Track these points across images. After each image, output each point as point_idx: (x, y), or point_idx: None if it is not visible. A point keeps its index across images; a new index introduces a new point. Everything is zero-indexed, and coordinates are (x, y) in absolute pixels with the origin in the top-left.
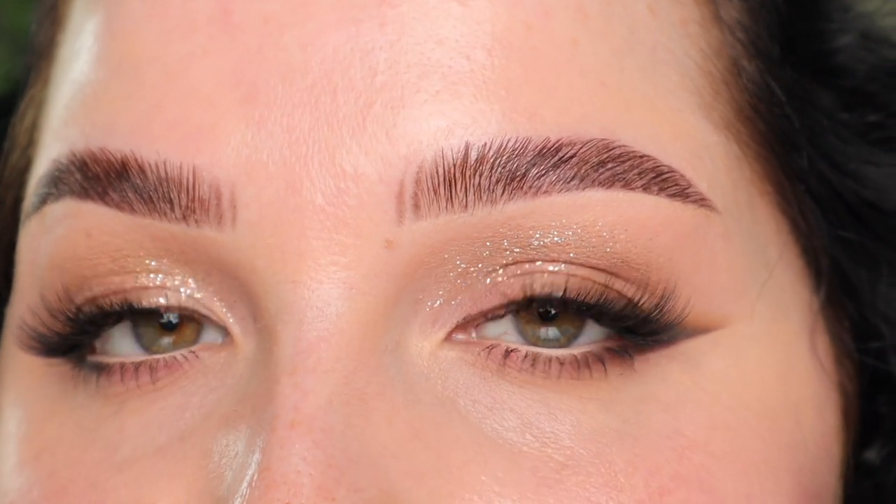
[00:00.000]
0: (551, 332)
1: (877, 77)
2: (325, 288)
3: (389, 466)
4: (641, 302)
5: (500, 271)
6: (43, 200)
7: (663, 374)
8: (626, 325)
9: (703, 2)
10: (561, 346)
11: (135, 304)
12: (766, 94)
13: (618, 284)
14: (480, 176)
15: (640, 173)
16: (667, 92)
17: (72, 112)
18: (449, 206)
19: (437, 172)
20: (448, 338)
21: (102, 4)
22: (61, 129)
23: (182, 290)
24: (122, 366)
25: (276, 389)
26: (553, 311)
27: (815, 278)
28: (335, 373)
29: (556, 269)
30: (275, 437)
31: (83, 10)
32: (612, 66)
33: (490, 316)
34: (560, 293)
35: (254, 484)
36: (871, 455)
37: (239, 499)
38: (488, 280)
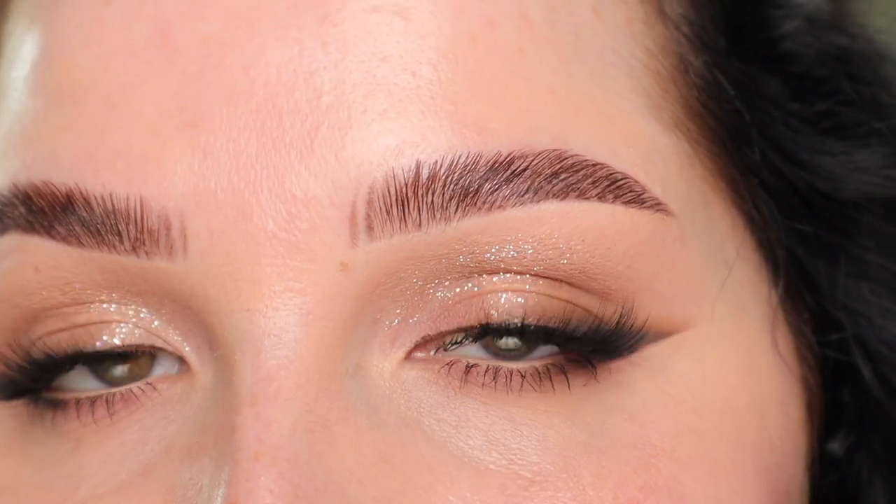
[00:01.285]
0: (511, 341)
1: (824, 62)
2: (282, 315)
3: (357, 493)
4: (604, 317)
5: (458, 290)
6: None
7: (628, 381)
8: (590, 348)
9: None
10: (521, 356)
11: (87, 350)
12: (714, 89)
13: (581, 299)
14: (433, 194)
15: (594, 182)
16: (616, 95)
17: (11, 143)
18: (402, 225)
19: (389, 192)
20: (408, 356)
21: (38, 30)
22: (1, 160)
23: (134, 320)
24: (78, 401)
25: (237, 420)
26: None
27: (772, 272)
28: (297, 400)
29: (515, 286)
30: (239, 470)
31: (18, 37)
32: (559, 73)
33: (449, 342)
34: (518, 320)
35: None
36: (835, 446)
37: None
38: (447, 297)
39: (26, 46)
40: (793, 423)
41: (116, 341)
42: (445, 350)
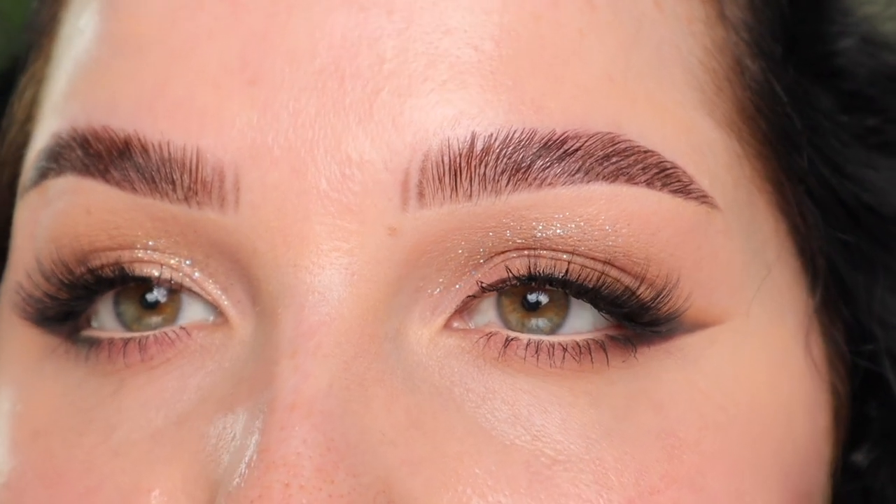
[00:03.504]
0: (541, 322)
1: (877, 81)
2: (328, 273)
3: (387, 453)
4: (640, 290)
5: (501, 257)
6: (43, 174)
7: (659, 369)
8: (624, 310)
9: (709, 0)
10: (545, 335)
11: (128, 272)
12: (768, 94)
13: (615, 273)
14: (486, 166)
15: (643, 168)
16: (671, 87)
17: (74, 88)
18: (453, 195)
19: (443, 161)
20: (447, 325)
21: None
22: (62, 104)
23: (176, 267)
24: (111, 341)
25: (275, 371)
26: (543, 302)
27: (811, 279)
28: (336, 357)
29: (558, 256)
30: (274, 419)
31: None
32: (618, 59)
33: (487, 289)
34: (561, 274)
35: (252, 464)
36: (859, 458)
37: (238, 479)
38: (490, 265)
39: None
40: (819, 429)
41: (155, 272)
42: (484, 291)
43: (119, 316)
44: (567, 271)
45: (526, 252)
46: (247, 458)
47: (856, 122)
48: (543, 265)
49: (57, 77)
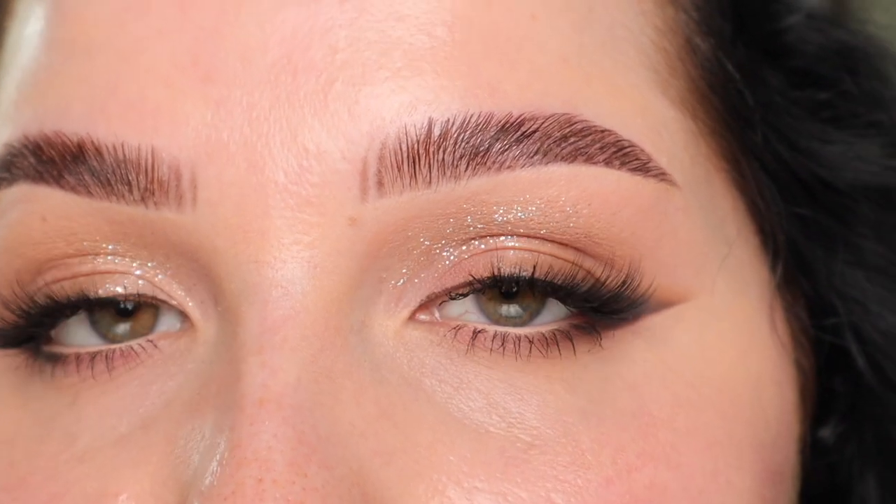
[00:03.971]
0: (513, 309)
1: (825, 57)
2: (290, 267)
3: (359, 445)
4: (608, 280)
5: (464, 248)
6: None
7: (629, 350)
8: (592, 305)
9: None
10: (523, 323)
11: (90, 295)
12: (719, 72)
13: (587, 263)
14: (444, 152)
15: (601, 147)
16: (625, 68)
17: (24, 95)
18: (413, 182)
19: (401, 149)
20: (412, 317)
21: None
22: (13, 112)
23: (139, 273)
24: (78, 356)
25: (242, 369)
26: (515, 289)
27: (771, 255)
28: (302, 351)
29: (522, 245)
30: (244, 415)
31: None
32: (571, 41)
33: (454, 294)
34: (527, 274)
35: (224, 462)
36: (826, 433)
37: (209, 477)
38: (453, 257)
39: (40, 3)
40: (788, 404)
41: (119, 289)
42: (451, 299)
43: (94, 325)
44: (534, 269)
45: (487, 245)
46: (218, 456)
47: (807, 97)
48: (509, 262)
49: (6, 86)
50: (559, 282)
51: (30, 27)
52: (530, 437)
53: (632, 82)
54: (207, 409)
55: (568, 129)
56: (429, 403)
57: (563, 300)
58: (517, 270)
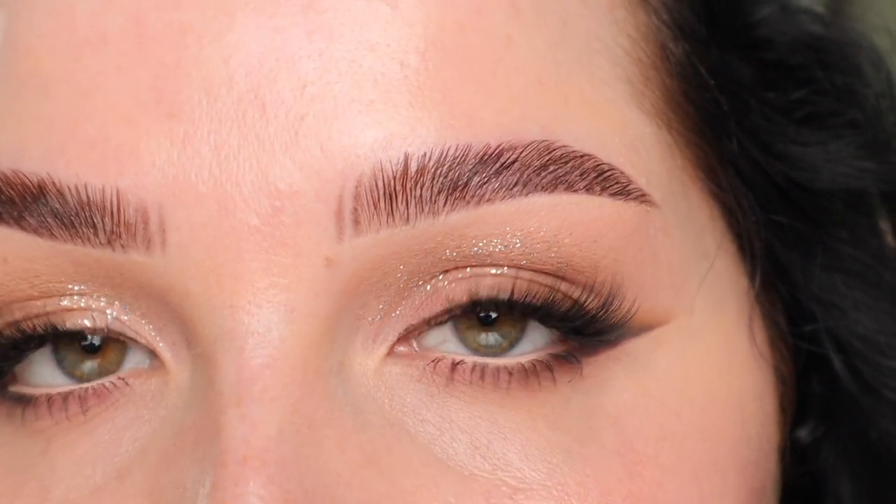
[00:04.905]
0: (492, 337)
1: (798, 49)
2: (265, 312)
3: (345, 496)
4: (587, 303)
5: (441, 277)
6: None
7: (610, 378)
8: (572, 325)
9: None
10: (503, 352)
11: (59, 327)
12: (693, 77)
13: (563, 287)
14: (422, 187)
15: (581, 174)
16: (601, 83)
17: None
18: (390, 219)
19: (377, 186)
20: (390, 352)
21: (4, 16)
22: None
23: (108, 311)
24: (49, 398)
25: (222, 421)
26: (494, 316)
27: (749, 264)
28: (283, 400)
29: (500, 272)
30: (226, 474)
31: None
32: (547, 61)
33: (433, 323)
34: (506, 296)
35: None
36: (803, 433)
37: None
38: (429, 287)
39: None
40: (768, 417)
41: (87, 322)
42: (430, 327)
43: (59, 363)
44: (512, 291)
45: (468, 271)
46: None
47: (781, 97)
48: (486, 286)
49: None
50: (538, 302)
51: None
52: (515, 480)
53: (608, 97)
54: (185, 460)
55: (547, 157)
56: (412, 445)
57: (542, 321)
58: (495, 293)
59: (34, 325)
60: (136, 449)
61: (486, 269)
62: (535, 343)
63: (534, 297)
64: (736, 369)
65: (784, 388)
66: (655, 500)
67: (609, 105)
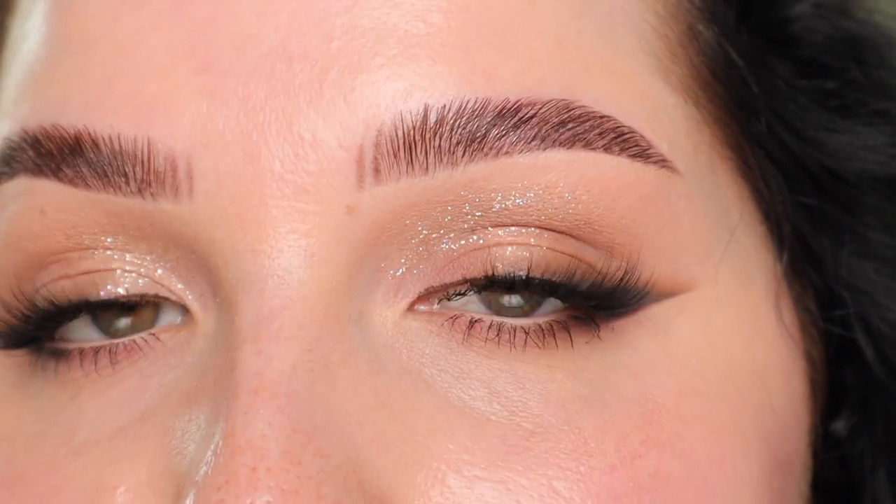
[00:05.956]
0: (514, 299)
1: (832, 47)
2: (286, 256)
3: (355, 434)
4: (608, 273)
5: (462, 243)
6: None
7: (631, 340)
8: (592, 303)
9: None
10: (524, 314)
11: (91, 299)
12: (722, 59)
13: (586, 254)
14: (440, 138)
15: (600, 133)
16: (624, 54)
17: (22, 91)
18: (409, 169)
19: (397, 136)
20: (411, 308)
21: None
22: (12, 107)
23: (138, 268)
24: (81, 351)
25: (237, 357)
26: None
27: (777, 245)
28: (298, 339)
29: (519, 239)
30: (238, 404)
31: None
32: (569, 27)
33: (451, 292)
34: (522, 273)
35: (218, 451)
36: (838, 426)
37: (204, 467)
38: (450, 249)
39: (40, 2)
40: (796, 395)
41: (120, 290)
42: (449, 300)
43: (96, 320)
44: (529, 266)
45: (484, 241)
46: (213, 446)
47: (813, 86)
48: (502, 261)
49: (6, 84)
50: (557, 279)
51: (29, 23)
52: (532, 424)
53: (631, 68)
54: (204, 399)
55: (566, 115)
56: (428, 392)
57: (562, 299)
58: (512, 270)
59: (68, 297)
60: (160, 394)
61: (505, 237)
62: (556, 305)
63: (553, 272)
64: (760, 342)
65: (814, 372)
66: (673, 449)
67: (632, 75)
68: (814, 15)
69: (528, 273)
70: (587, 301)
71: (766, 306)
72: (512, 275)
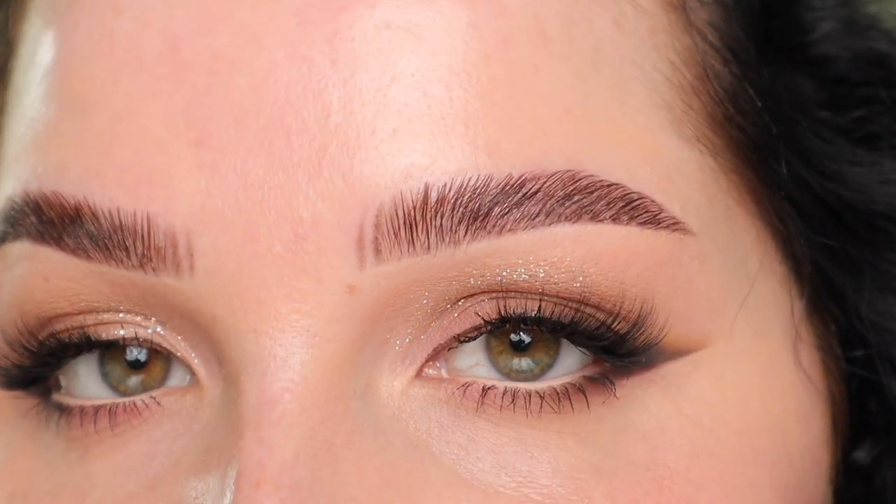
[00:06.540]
0: (525, 362)
1: (860, 67)
2: (287, 337)
3: None
4: (615, 326)
5: (470, 298)
6: (3, 238)
7: (644, 398)
8: (602, 343)
9: (672, 7)
10: (535, 377)
11: (92, 337)
12: (741, 101)
13: (590, 310)
14: (442, 217)
15: (608, 203)
16: (635, 111)
17: (24, 148)
18: (411, 248)
19: (397, 215)
20: (419, 374)
21: (52, 34)
22: (14, 165)
23: (147, 327)
24: (82, 409)
25: (240, 444)
26: (526, 341)
27: (797, 286)
28: (301, 425)
29: (526, 297)
30: (241, 497)
31: (34, 37)
32: (576, 91)
33: (462, 339)
34: (534, 313)
35: None
36: (861, 455)
37: None
38: (458, 305)
39: (41, 51)
40: (815, 439)
41: (122, 332)
42: (460, 342)
43: (105, 377)
44: (539, 309)
45: (494, 294)
46: None
47: (838, 116)
48: (514, 306)
49: (12, 133)
50: (566, 320)
51: (31, 74)
52: (541, 496)
53: (642, 126)
54: (210, 477)
55: (572, 187)
56: (435, 466)
57: (572, 339)
58: (524, 310)
59: (70, 335)
60: (170, 462)
61: (511, 298)
62: (567, 367)
63: (561, 314)
64: (778, 392)
65: (836, 411)
66: None
67: (643, 133)
68: (841, 34)
69: (539, 312)
70: (596, 341)
71: (784, 353)
72: (524, 313)
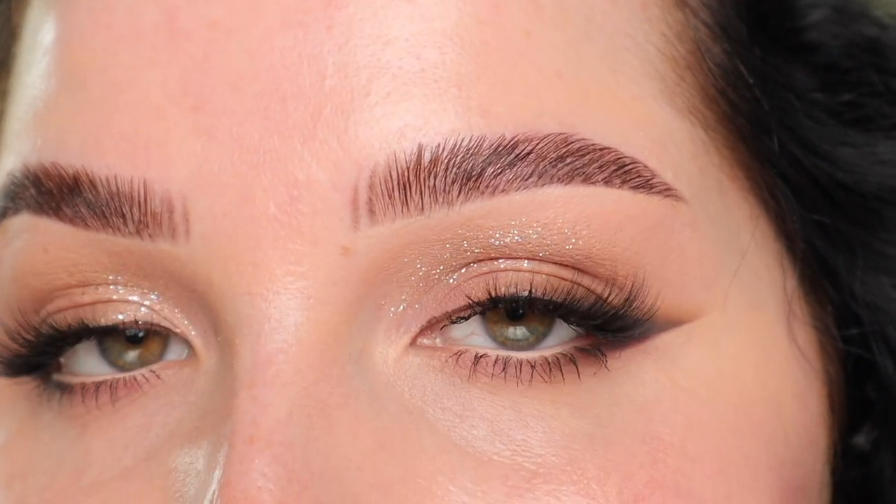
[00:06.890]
0: (520, 331)
1: (852, 53)
2: (282, 299)
3: (354, 479)
4: (609, 298)
5: (463, 271)
6: (3, 214)
7: (638, 371)
8: (595, 322)
9: None
10: (530, 346)
11: (90, 324)
12: (732, 77)
13: (585, 281)
14: (435, 177)
15: (600, 166)
16: (627, 79)
17: (24, 125)
18: (405, 209)
19: (391, 176)
20: (413, 342)
21: (53, 16)
22: (15, 142)
23: (143, 302)
24: (83, 386)
25: (234, 404)
26: (521, 311)
27: (790, 263)
28: (295, 385)
29: (519, 265)
30: (234, 453)
31: (36, 22)
32: (568, 56)
33: (455, 318)
34: (525, 293)
35: (214, 501)
36: (860, 440)
37: None
38: (451, 280)
39: (43, 32)
40: (811, 418)
41: (121, 317)
42: (453, 322)
43: (104, 353)
44: (531, 287)
45: (486, 268)
46: (209, 495)
47: (830, 98)
48: (505, 283)
49: (13, 113)
50: (559, 299)
51: (33, 54)
52: (534, 465)
53: (634, 94)
54: (204, 442)
55: (564, 150)
56: (430, 432)
57: (565, 318)
58: (515, 290)
59: (67, 322)
60: (164, 433)
61: (506, 263)
62: (562, 337)
63: (554, 292)
64: (773, 367)
65: (832, 391)
66: (678, 489)
67: (635, 101)
68: (833, 21)
69: (531, 293)
70: (590, 320)
71: (779, 328)
72: (515, 293)
